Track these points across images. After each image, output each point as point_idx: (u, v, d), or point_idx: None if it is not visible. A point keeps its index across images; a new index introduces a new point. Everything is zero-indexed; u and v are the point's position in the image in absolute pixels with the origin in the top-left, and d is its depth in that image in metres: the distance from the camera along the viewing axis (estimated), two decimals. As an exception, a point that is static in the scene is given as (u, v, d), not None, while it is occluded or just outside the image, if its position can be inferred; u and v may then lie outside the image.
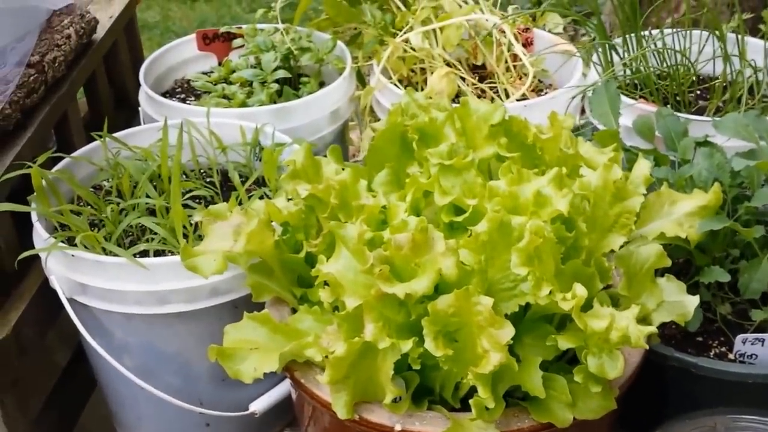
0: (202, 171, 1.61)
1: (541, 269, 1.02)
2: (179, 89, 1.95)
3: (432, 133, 1.29)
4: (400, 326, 1.06)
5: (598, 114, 1.46)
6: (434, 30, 1.74)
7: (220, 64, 2.00)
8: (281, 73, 1.77)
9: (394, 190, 1.26)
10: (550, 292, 1.01)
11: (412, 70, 1.78)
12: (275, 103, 1.75)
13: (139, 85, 1.81)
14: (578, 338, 1.04)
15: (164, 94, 1.92)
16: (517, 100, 1.70)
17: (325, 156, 1.33)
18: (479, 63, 1.81)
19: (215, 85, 1.85)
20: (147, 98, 1.77)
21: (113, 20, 1.89)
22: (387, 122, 1.35)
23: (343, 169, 1.28)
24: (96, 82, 1.85)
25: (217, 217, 1.26)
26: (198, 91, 1.90)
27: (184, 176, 1.53)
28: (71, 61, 1.71)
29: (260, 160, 1.61)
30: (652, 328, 1.04)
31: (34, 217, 1.40)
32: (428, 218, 1.17)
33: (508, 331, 1.01)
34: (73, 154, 1.55)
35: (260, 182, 1.59)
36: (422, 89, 1.78)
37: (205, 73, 1.98)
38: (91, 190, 1.55)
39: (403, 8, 1.81)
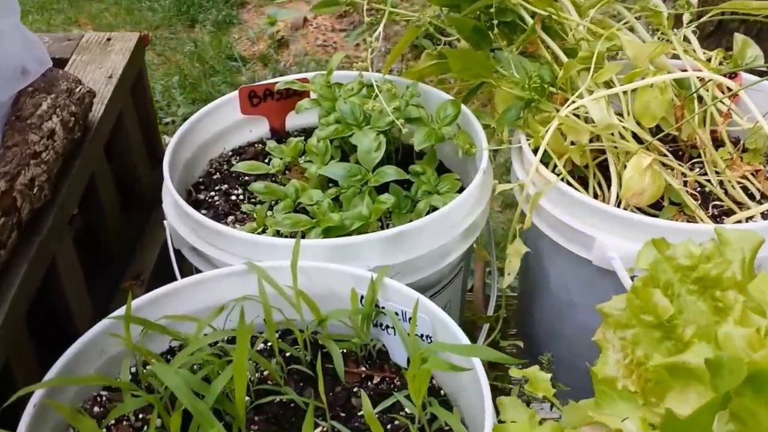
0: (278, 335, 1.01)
1: None
2: (217, 175, 1.31)
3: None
4: None
5: None
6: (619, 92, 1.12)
7: (274, 131, 1.36)
8: (392, 174, 1.13)
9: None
10: None
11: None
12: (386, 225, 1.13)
13: (153, 168, 1.19)
14: None
15: (197, 187, 1.29)
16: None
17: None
18: (681, 135, 1.19)
19: (279, 180, 1.23)
20: (177, 210, 1.14)
21: (116, 81, 1.24)
22: (634, 317, 0.77)
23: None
24: (95, 187, 1.21)
25: None
26: (247, 175, 1.28)
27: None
28: (58, 172, 1.08)
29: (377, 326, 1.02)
30: None
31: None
32: None
33: None
34: (60, 368, 0.91)
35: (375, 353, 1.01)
36: (599, 183, 1.16)
37: (253, 146, 1.35)
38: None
39: (560, 54, 1.18)
